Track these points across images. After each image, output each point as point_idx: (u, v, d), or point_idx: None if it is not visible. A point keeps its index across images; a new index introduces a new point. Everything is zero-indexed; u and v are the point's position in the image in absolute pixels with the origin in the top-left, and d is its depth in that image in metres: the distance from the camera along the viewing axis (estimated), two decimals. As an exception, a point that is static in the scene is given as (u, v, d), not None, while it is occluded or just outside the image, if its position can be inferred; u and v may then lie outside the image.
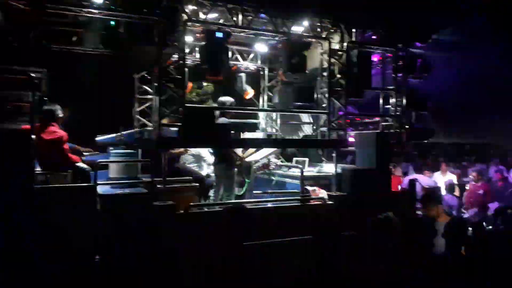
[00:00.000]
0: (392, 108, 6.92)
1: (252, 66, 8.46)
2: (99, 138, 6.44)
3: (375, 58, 7.15)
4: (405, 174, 10.14)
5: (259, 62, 8.50)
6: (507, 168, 11.69)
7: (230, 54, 7.98)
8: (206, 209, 5.58)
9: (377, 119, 7.21)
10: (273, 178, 6.97)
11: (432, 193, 4.71)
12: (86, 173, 5.12)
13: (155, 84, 5.11)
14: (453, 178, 9.75)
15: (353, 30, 6.42)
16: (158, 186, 4.98)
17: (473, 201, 8.75)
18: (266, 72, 8.64)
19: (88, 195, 4.64)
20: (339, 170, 6.21)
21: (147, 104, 6.78)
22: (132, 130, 6.55)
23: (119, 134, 6.10)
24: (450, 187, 8.56)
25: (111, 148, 5.96)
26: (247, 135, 7.55)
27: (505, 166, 12.21)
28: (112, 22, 6.00)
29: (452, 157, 15.62)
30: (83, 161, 5.70)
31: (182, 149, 6.37)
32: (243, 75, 8.25)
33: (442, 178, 9.49)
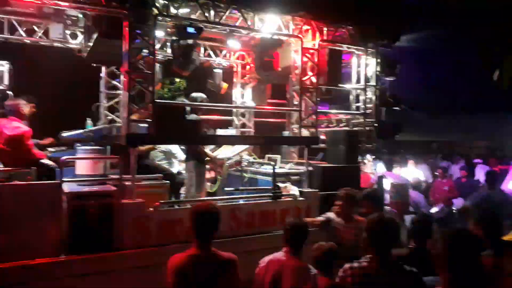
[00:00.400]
0: (362, 106, 7.04)
1: (225, 63, 8.43)
2: (65, 134, 6.24)
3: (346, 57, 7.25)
4: (374, 171, 10.35)
5: (232, 58, 8.47)
6: (470, 165, 12.15)
7: (202, 50, 7.94)
8: (176, 207, 5.52)
9: (348, 116, 7.32)
10: (245, 175, 6.97)
11: (374, 192, 4.76)
12: (51, 170, 4.95)
13: (124, 79, 4.99)
14: (420, 174, 10.06)
15: (325, 28, 6.47)
16: (127, 183, 4.88)
17: (439, 197, 9.05)
18: (239, 69, 8.63)
19: (53, 192, 4.49)
20: (310, 167, 6.27)
21: (116, 100, 6.63)
22: (100, 126, 6.39)
23: (86, 129, 5.94)
24: (416, 184, 8.81)
25: (78, 144, 5.80)
26: (218, 131, 7.52)
27: (468, 163, 12.68)
28: (80, 15, 5.87)
29: (419, 154, 16.09)
30: (49, 158, 5.52)
31: (150, 146, 6.26)
32: (219, 71, 8.20)
33: (410, 175, 9.76)
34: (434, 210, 8.89)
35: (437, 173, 9.54)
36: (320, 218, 4.62)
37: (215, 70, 8.21)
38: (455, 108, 17.26)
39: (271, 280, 3.32)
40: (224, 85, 8.21)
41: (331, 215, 4.58)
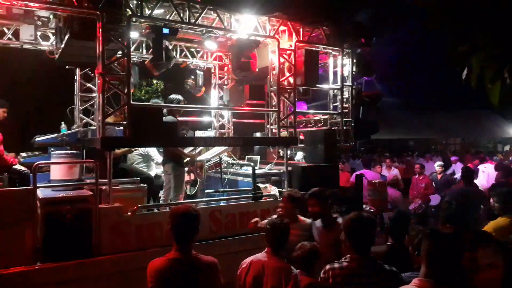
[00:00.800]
0: (339, 106, 7.11)
1: (202, 64, 8.37)
2: (38, 138, 6.08)
3: (322, 57, 7.31)
4: (353, 170, 10.48)
5: (209, 59, 8.42)
6: (447, 161, 12.44)
7: (179, 51, 7.87)
8: (155, 210, 5.44)
9: (325, 116, 7.37)
10: (225, 176, 6.94)
11: (319, 191, 4.52)
12: (24, 175, 4.80)
13: (98, 81, 4.88)
14: (397, 172, 10.23)
15: (301, 29, 6.51)
16: (104, 188, 4.78)
17: (416, 194, 9.24)
18: (217, 70, 8.59)
19: (27, 199, 4.36)
20: (289, 167, 6.29)
21: (91, 102, 6.49)
22: (75, 130, 6.25)
23: (60, 134, 5.79)
24: (394, 181, 8.95)
25: (52, 148, 5.65)
26: (197, 133, 7.46)
27: (444, 160, 12.99)
28: (52, 16, 5.72)
29: (397, 152, 16.39)
30: (21, 163, 5.36)
31: (126, 149, 6.16)
32: (201, 72, 8.15)
33: (387, 173, 9.91)
34: (411, 206, 9.07)
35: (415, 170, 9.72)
36: (265, 222, 4.23)
37: (197, 72, 8.14)
38: (430, 106, 17.66)
39: (252, 280, 3.32)
40: (202, 88, 8.17)
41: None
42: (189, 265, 2.90)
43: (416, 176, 9.48)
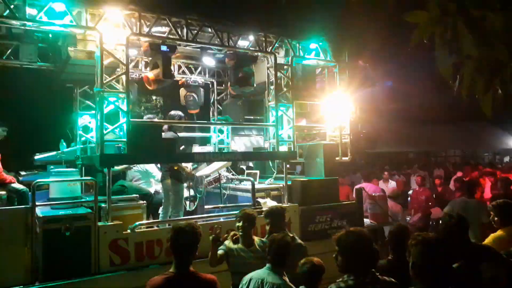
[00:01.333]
0: (338, 119, 7.13)
1: (200, 80, 8.44)
2: (38, 156, 6.09)
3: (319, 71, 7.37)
4: (353, 184, 10.45)
5: (207, 75, 8.49)
6: (447, 174, 12.42)
7: (177, 67, 7.94)
8: (155, 227, 5.41)
9: (324, 130, 7.39)
10: (224, 191, 6.92)
11: (275, 209, 4.39)
12: (23, 194, 4.80)
13: (97, 99, 4.92)
14: (394, 185, 10.18)
15: (298, 44, 6.58)
16: (103, 205, 4.77)
17: (417, 207, 9.19)
18: (215, 85, 8.65)
19: (25, 217, 4.34)
20: (289, 182, 6.29)
21: (90, 120, 6.52)
22: (74, 147, 6.26)
23: (60, 151, 5.80)
24: (393, 194, 8.93)
25: (51, 166, 5.65)
26: (196, 149, 7.47)
27: (445, 173, 12.96)
28: (50, 35, 5.79)
29: (396, 165, 16.36)
30: (20, 182, 5.36)
31: (125, 166, 6.16)
32: (201, 89, 8.22)
33: (385, 186, 9.88)
34: (412, 219, 9.01)
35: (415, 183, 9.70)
36: (220, 252, 3.99)
37: (199, 88, 8.21)
38: (430, 119, 17.70)
39: None
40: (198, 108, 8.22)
41: (228, 244, 4.06)
42: (188, 282, 2.86)
43: (417, 189, 9.45)
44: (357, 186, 8.51)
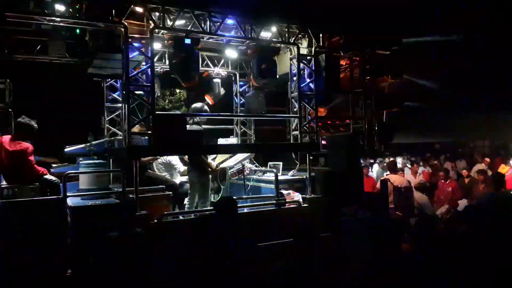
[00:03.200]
0: (361, 110, 7.05)
1: (223, 72, 8.46)
2: (68, 149, 6.27)
3: (343, 62, 7.28)
4: (379, 175, 10.33)
5: (230, 67, 8.51)
6: (473, 164, 12.09)
7: (200, 60, 7.98)
8: (181, 217, 5.51)
9: (347, 121, 7.33)
10: (248, 183, 6.97)
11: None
12: (55, 185, 4.96)
13: (124, 92, 5.02)
14: (422, 177, 10.00)
15: (321, 35, 6.51)
16: (131, 196, 4.89)
17: (443, 199, 9.01)
18: (238, 77, 8.66)
19: (58, 207, 4.51)
20: (312, 173, 6.27)
21: (117, 113, 6.66)
22: (102, 140, 6.41)
23: (88, 144, 5.96)
24: (420, 186, 8.75)
25: (80, 159, 5.81)
26: (220, 141, 7.53)
27: (472, 163, 12.63)
28: (78, 30, 5.92)
29: (422, 156, 16.04)
30: (52, 173, 5.54)
31: (152, 157, 6.28)
32: (218, 80, 8.24)
33: (413, 178, 9.72)
34: (439, 211, 8.85)
35: (440, 174, 9.49)
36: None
37: (214, 80, 8.24)
38: (457, 108, 17.20)
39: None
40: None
41: None
42: None
43: (442, 180, 9.27)
44: (382, 178, 8.41)
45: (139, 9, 5.10)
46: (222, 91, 8.26)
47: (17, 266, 4.13)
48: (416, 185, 8.00)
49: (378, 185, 8.20)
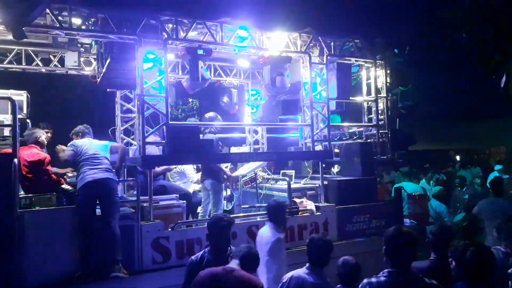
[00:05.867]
0: (374, 118, 7.02)
1: (235, 81, 8.54)
2: (83, 158, 6.36)
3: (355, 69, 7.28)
4: (392, 182, 10.23)
5: (242, 77, 8.58)
6: (489, 171, 11.88)
7: (213, 70, 8.08)
8: (194, 226, 5.54)
9: (360, 129, 7.30)
10: (260, 191, 6.98)
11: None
12: (71, 194, 5.04)
13: (138, 102, 5.10)
14: (435, 184, 9.86)
15: (332, 43, 6.53)
16: (145, 205, 4.94)
17: (459, 206, 8.87)
18: (250, 86, 8.73)
19: (74, 216, 4.57)
20: (325, 181, 6.25)
21: (131, 123, 6.76)
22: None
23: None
24: (437, 193, 8.65)
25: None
26: (232, 149, 7.57)
27: (487, 170, 12.43)
28: (93, 43, 6.06)
29: (436, 163, 15.85)
30: (67, 183, 5.62)
31: (166, 166, 6.35)
32: (235, 90, 8.34)
33: (428, 185, 9.61)
34: (456, 219, 8.71)
35: (456, 182, 9.37)
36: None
37: (231, 89, 8.33)
38: (470, 115, 17.00)
39: None
40: (236, 106, 8.35)
41: None
42: (232, 280, 2.90)
43: (458, 188, 9.13)
44: (396, 185, 8.34)
45: (152, 21, 5.19)
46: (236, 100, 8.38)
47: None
48: (435, 193, 7.91)
49: (391, 193, 8.12)
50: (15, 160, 4.25)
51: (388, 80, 7.06)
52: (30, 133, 5.08)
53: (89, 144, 4.93)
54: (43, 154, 4.98)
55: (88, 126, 5.33)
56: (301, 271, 3.42)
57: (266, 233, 4.23)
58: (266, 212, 4.43)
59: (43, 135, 5.22)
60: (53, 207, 4.85)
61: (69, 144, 4.98)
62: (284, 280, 3.46)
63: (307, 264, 3.44)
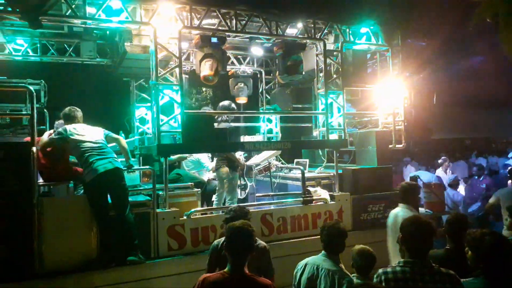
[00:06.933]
0: (391, 105, 6.92)
1: (248, 70, 8.50)
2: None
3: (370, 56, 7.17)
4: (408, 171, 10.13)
5: (255, 65, 8.54)
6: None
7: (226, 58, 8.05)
8: (209, 214, 5.58)
9: (376, 117, 7.21)
10: (274, 180, 6.98)
11: None
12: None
13: (153, 91, 5.13)
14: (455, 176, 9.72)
15: (347, 30, 6.43)
16: (161, 193, 5.00)
17: (476, 196, 8.75)
18: (263, 75, 8.68)
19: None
20: (340, 170, 6.22)
21: (146, 112, 6.81)
22: (133, 138, 6.57)
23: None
24: (453, 183, 8.54)
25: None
26: (246, 138, 7.57)
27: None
28: (108, 32, 6.10)
29: (453, 152, 15.61)
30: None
31: (181, 155, 6.39)
32: (250, 79, 8.31)
33: (444, 174, 9.48)
34: (471, 208, 8.60)
35: (473, 171, 9.22)
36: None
37: (246, 78, 8.30)
38: (488, 102, 16.61)
39: (306, 281, 3.35)
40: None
41: None
42: (239, 285, 2.74)
43: (476, 177, 9.00)
44: (411, 174, 8.25)
45: (167, 9, 5.18)
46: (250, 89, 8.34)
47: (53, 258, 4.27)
48: (451, 182, 7.81)
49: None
50: (34, 148, 4.33)
51: (405, 67, 6.93)
52: (61, 123, 5.12)
53: (86, 131, 4.70)
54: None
55: (79, 109, 4.95)
56: (317, 258, 3.43)
57: (401, 212, 4.37)
58: (398, 193, 4.61)
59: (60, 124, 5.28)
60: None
61: (59, 130, 4.72)
62: (299, 266, 3.48)
63: (322, 252, 3.45)
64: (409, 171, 10.34)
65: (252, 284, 2.76)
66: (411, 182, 4.84)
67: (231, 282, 2.72)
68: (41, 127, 5.49)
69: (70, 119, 4.83)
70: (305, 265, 3.44)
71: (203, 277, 2.82)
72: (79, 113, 4.89)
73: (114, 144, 4.93)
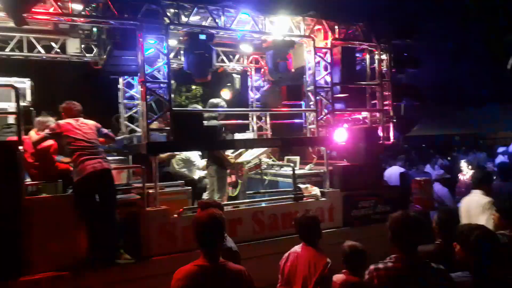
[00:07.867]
0: (380, 102, 6.95)
1: (238, 67, 8.47)
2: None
3: (360, 54, 7.19)
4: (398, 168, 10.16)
5: (245, 62, 8.51)
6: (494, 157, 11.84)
7: (215, 55, 8.00)
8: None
9: (365, 114, 7.24)
10: (265, 177, 6.97)
11: None
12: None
13: (141, 89, 5.07)
14: (443, 172, 9.80)
15: (336, 27, 6.44)
16: (150, 191, 4.95)
17: (464, 191, 8.83)
18: (253, 72, 8.65)
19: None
20: (330, 167, 6.23)
21: (134, 110, 6.74)
22: (121, 137, 6.50)
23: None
24: (441, 178, 8.63)
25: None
26: (236, 135, 7.55)
27: (493, 155, 12.37)
28: (95, 29, 6.01)
29: (441, 148, 15.79)
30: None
31: (170, 153, 6.34)
32: (238, 76, 8.28)
33: (433, 170, 9.56)
34: (459, 204, 8.68)
35: (461, 167, 9.32)
36: None
37: (234, 75, 8.26)
38: (476, 100, 16.85)
39: (288, 269, 3.64)
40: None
41: None
42: (217, 273, 2.73)
43: (464, 173, 9.09)
44: (401, 171, 8.30)
45: (153, 6, 5.13)
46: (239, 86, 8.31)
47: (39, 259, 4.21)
48: (436, 177, 7.88)
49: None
50: (20, 147, 4.25)
51: (393, 65, 6.96)
52: (44, 121, 5.05)
53: (81, 127, 4.66)
54: (48, 142, 4.97)
55: (77, 103, 4.95)
56: (298, 247, 3.72)
57: (475, 197, 4.63)
58: (473, 180, 4.86)
59: (50, 122, 5.20)
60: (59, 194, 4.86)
61: (51, 126, 4.68)
62: (284, 256, 3.76)
63: (302, 243, 3.71)
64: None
65: (228, 271, 2.76)
66: (483, 170, 5.29)
67: (209, 271, 2.69)
68: (28, 126, 5.39)
69: (67, 113, 4.82)
70: (288, 254, 3.72)
71: (178, 271, 2.73)
72: (76, 107, 4.88)
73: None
